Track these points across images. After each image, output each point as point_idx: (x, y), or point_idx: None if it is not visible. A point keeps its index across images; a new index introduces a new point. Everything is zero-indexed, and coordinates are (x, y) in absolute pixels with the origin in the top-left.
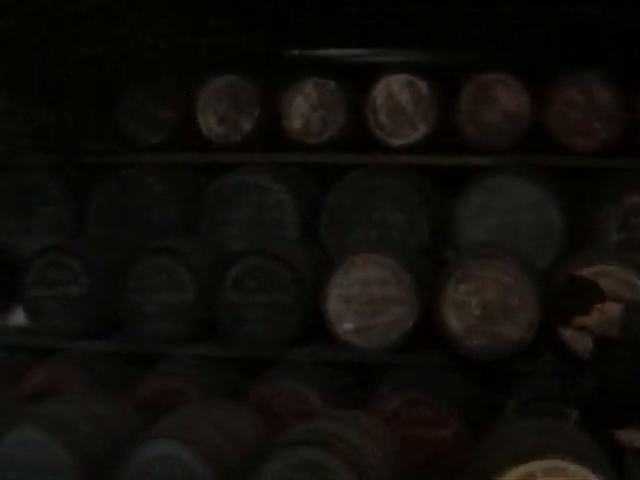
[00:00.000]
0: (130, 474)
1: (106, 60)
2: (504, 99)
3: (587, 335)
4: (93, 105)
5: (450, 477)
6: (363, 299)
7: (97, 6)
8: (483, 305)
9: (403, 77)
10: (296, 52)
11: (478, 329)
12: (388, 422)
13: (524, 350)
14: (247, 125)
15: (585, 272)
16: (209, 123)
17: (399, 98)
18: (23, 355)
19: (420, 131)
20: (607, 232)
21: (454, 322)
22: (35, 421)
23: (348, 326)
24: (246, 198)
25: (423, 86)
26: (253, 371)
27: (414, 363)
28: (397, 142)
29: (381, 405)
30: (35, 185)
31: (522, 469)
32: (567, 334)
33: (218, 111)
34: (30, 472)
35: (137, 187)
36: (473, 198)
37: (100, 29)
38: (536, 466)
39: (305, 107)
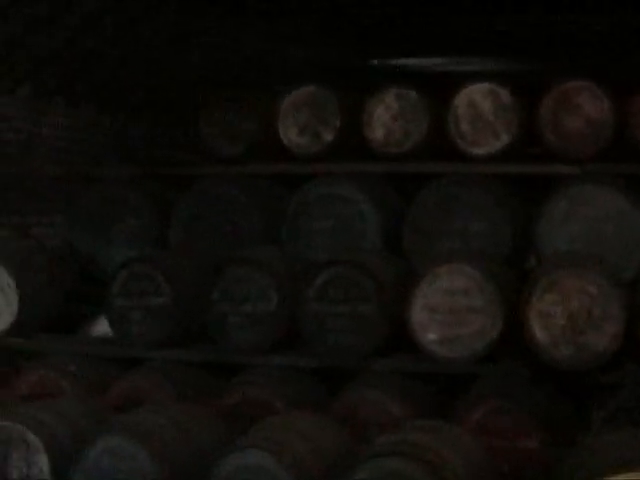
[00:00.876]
0: None
1: (188, 72)
2: (587, 106)
3: None
4: (175, 117)
5: None
6: (447, 309)
7: (180, 19)
8: (568, 315)
9: (485, 86)
10: (376, 62)
11: (564, 339)
12: (472, 432)
13: (608, 360)
14: (328, 136)
15: None
16: (290, 134)
17: (481, 107)
18: (108, 365)
19: (502, 140)
20: None
21: (540, 332)
22: (121, 430)
23: (432, 336)
24: (328, 209)
25: (505, 94)
26: (336, 381)
27: (498, 373)
28: (479, 151)
29: (465, 415)
30: (117, 197)
31: None
32: None
33: (298, 122)
34: None
35: (220, 198)
36: (557, 207)
37: (182, 41)
38: (627, 479)
39: (386, 117)
